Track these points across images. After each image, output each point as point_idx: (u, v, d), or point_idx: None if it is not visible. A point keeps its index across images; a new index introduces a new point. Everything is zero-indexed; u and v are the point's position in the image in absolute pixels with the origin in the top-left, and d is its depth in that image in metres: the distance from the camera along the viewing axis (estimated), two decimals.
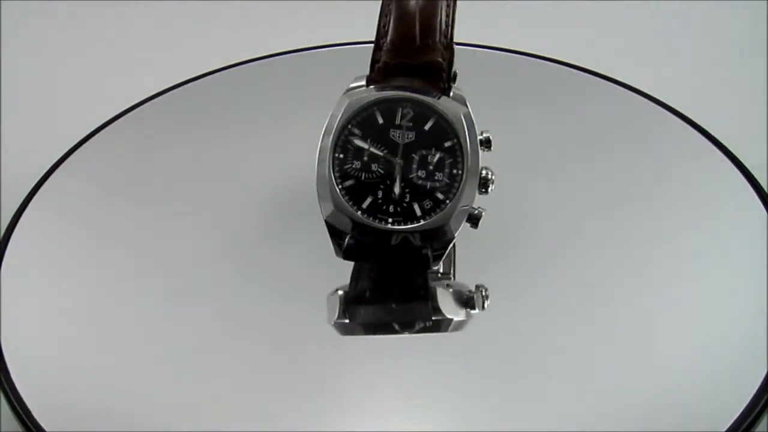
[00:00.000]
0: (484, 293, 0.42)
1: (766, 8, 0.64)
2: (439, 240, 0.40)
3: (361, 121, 0.41)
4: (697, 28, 0.65)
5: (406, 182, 0.40)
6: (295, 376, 0.40)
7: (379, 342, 0.41)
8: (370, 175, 0.40)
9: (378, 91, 0.41)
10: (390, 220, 0.40)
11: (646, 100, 0.52)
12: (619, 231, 0.45)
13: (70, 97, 0.60)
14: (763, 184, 0.46)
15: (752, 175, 0.47)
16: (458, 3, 0.42)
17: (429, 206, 0.40)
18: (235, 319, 0.42)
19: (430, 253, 0.40)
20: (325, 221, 0.40)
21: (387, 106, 0.41)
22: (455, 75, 0.44)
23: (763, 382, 0.38)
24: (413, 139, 0.40)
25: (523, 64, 0.55)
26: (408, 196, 0.40)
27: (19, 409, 0.39)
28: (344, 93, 0.41)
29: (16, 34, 0.66)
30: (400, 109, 0.40)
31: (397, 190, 0.40)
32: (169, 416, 0.39)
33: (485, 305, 0.41)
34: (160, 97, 0.53)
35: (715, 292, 0.43)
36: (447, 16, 0.41)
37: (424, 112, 0.40)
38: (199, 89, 0.54)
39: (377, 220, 0.40)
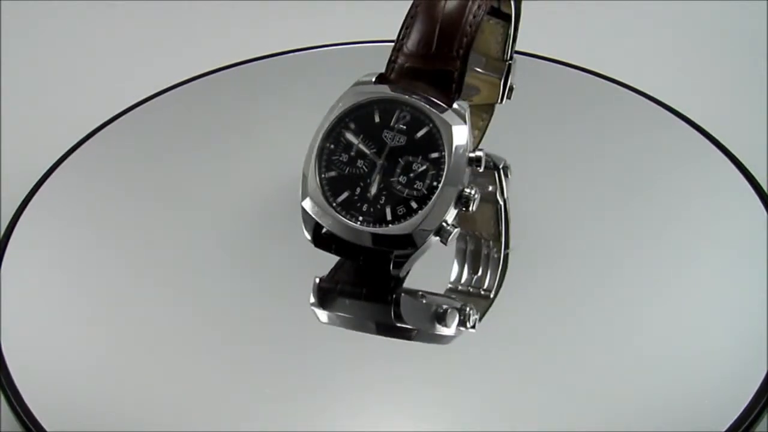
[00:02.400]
0: (467, 312, 0.41)
1: (766, 8, 0.64)
2: (401, 248, 0.40)
3: (358, 116, 0.41)
4: (698, 28, 0.65)
5: (386, 185, 0.40)
6: (294, 376, 0.40)
7: (379, 342, 0.41)
8: (354, 171, 0.40)
9: (383, 90, 0.41)
10: (360, 218, 0.40)
11: (646, 100, 0.52)
12: (619, 231, 0.45)
13: (70, 97, 0.60)
14: (763, 184, 0.46)
15: (752, 175, 0.47)
16: None
17: (401, 212, 0.39)
18: (236, 319, 0.42)
19: (392, 258, 0.40)
20: (301, 206, 0.41)
21: (386, 107, 0.40)
22: (512, 89, 0.45)
23: (763, 382, 0.38)
24: (403, 144, 0.40)
25: (522, 64, 0.54)
26: (383, 198, 0.40)
27: (19, 409, 0.39)
28: (352, 85, 0.41)
29: (16, 34, 0.66)
30: (398, 112, 0.40)
31: (373, 190, 0.40)
32: (169, 416, 0.39)
33: (468, 325, 0.41)
34: (160, 97, 0.53)
35: (715, 291, 0.43)
36: (470, 26, 0.40)
37: (420, 119, 0.40)
38: (198, 89, 0.54)
39: (348, 216, 0.40)
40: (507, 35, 0.45)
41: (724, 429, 0.37)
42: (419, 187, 0.39)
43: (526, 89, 0.47)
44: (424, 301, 0.42)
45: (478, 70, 0.46)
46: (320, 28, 0.65)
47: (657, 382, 0.39)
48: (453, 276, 0.43)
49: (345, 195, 0.40)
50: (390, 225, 0.39)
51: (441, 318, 0.41)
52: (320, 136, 0.41)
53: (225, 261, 0.44)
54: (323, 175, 0.40)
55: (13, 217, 0.46)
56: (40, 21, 0.67)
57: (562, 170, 0.48)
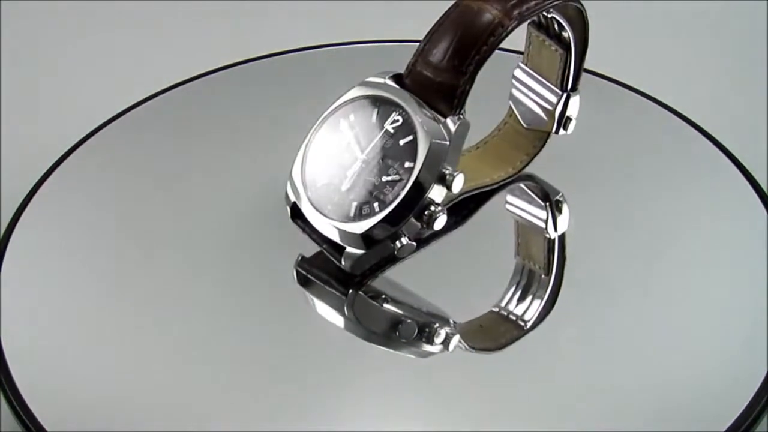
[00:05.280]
0: (433, 329, 0.41)
1: (766, 8, 0.64)
2: (352, 245, 0.40)
3: (359, 109, 0.41)
4: (698, 28, 0.65)
5: (360, 181, 0.40)
6: (293, 376, 0.40)
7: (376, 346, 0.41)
8: (338, 161, 0.41)
9: (390, 90, 0.41)
10: (329, 208, 0.41)
11: (646, 101, 0.52)
12: (618, 231, 0.45)
13: (70, 97, 0.60)
14: (763, 184, 0.46)
15: (752, 175, 0.47)
16: None
17: (365, 212, 0.40)
18: (234, 319, 0.42)
19: (344, 253, 0.41)
20: (287, 183, 0.42)
21: (386, 107, 0.41)
22: (568, 120, 0.45)
23: (763, 382, 0.38)
24: (388, 146, 0.40)
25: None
26: (353, 194, 0.40)
27: (19, 409, 0.39)
28: (366, 79, 0.41)
29: (16, 34, 0.66)
30: (394, 115, 0.41)
31: (348, 184, 0.41)
32: (169, 416, 0.39)
33: (435, 343, 0.40)
34: (160, 97, 0.53)
35: (715, 291, 0.43)
36: (486, 45, 0.40)
37: (410, 126, 0.40)
38: (198, 89, 0.54)
39: (319, 203, 0.41)
40: (566, 64, 0.44)
41: (724, 429, 0.37)
42: (387, 192, 0.40)
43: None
44: (386, 306, 0.42)
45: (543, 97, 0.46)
46: (320, 28, 0.65)
47: (657, 382, 0.39)
48: (500, 299, 0.43)
49: (323, 182, 0.41)
50: (349, 222, 0.40)
51: (396, 327, 0.41)
52: (320, 121, 0.42)
53: (225, 261, 0.44)
54: (311, 159, 0.41)
55: (13, 217, 0.46)
56: (40, 21, 0.67)
57: (560, 169, 0.48)
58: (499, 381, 0.40)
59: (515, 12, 0.40)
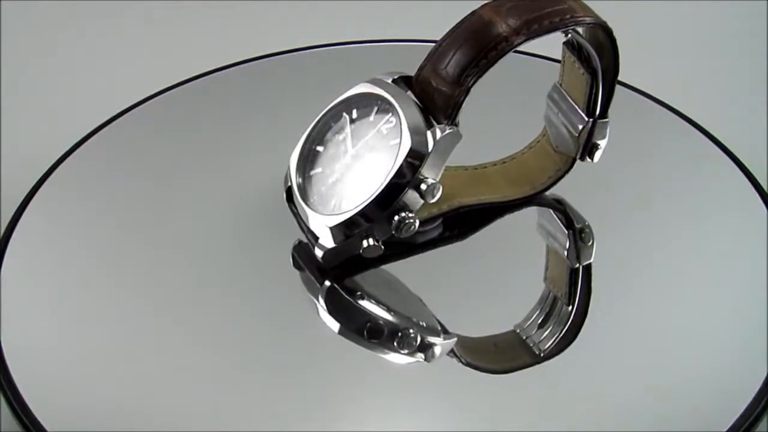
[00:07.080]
0: (408, 334, 0.40)
1: (766, 8, 0.64)
2: (323, 238, 0.41)
3: (362, 106, 0.41)
4: (698, 28, 0.65)
5: (345, 177, 0.41)
6: (293, 376, 0.40)
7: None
8: (333, 152, 0.41)
9: (391, 90, 0.41)
10: (314, 197, 0.41)
11: (646, 100, 0.52)
12: (619, 230, 0.45)
13: (70, 97, 0.60)
14: (763, 184, 0.46)
15: (752, 175, 0.47)
16: (464, 5, 0.41)
17: (343, 207, 0.40)
18: (235, 319, 0.42)
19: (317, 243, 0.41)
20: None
21: (384, 107, 0.41)
22: (595, 147, 0.44)
23: (763, 382, 0.38)
24: (377, 146, 0.41)
25: (523, 62, 0.55)
26: (337, 188, 0.41)
27: (19, 409, 0.39)
28: (379, 75, 0.41)
29: (16, 34, 0.66)
30: (389, 116, 0.41)
31: (334, 177, 0.41)
32: (170, 416, 0.39)
33: (407, 349, 0.40)
34: (160, 97, 0.53)
35: (715, 291, 0.43)
36: (485, 59, 0.39)
37: (399, 130, 0.40)
38: (198, 89, 0.54)
39: (307, 191, 0.41)
40: (592, 90, 0.43)
41: (725, 429, 0.37)
42: (364, 191, 0.40)
43: (527, 89, 0.47)
44: (360, 302, 0.42)
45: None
46: (320, 28, 0.65)
47: (657, 382, 0.39)
48: (522, 320, 0.42)
49: (316, 171, 0.42)
50: (326, 213, 0.41)
51: (365, 326, 0.41)
52: (324, 111, 0.42)
53: (225, 260, 0.44)
54: (309, 146, 0.42)
55: (13, 217, 0.46)
56: (40, 21, 0.67)
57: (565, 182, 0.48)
58: (494, 388, 0.40)
59: (525, 29, 0.39)
